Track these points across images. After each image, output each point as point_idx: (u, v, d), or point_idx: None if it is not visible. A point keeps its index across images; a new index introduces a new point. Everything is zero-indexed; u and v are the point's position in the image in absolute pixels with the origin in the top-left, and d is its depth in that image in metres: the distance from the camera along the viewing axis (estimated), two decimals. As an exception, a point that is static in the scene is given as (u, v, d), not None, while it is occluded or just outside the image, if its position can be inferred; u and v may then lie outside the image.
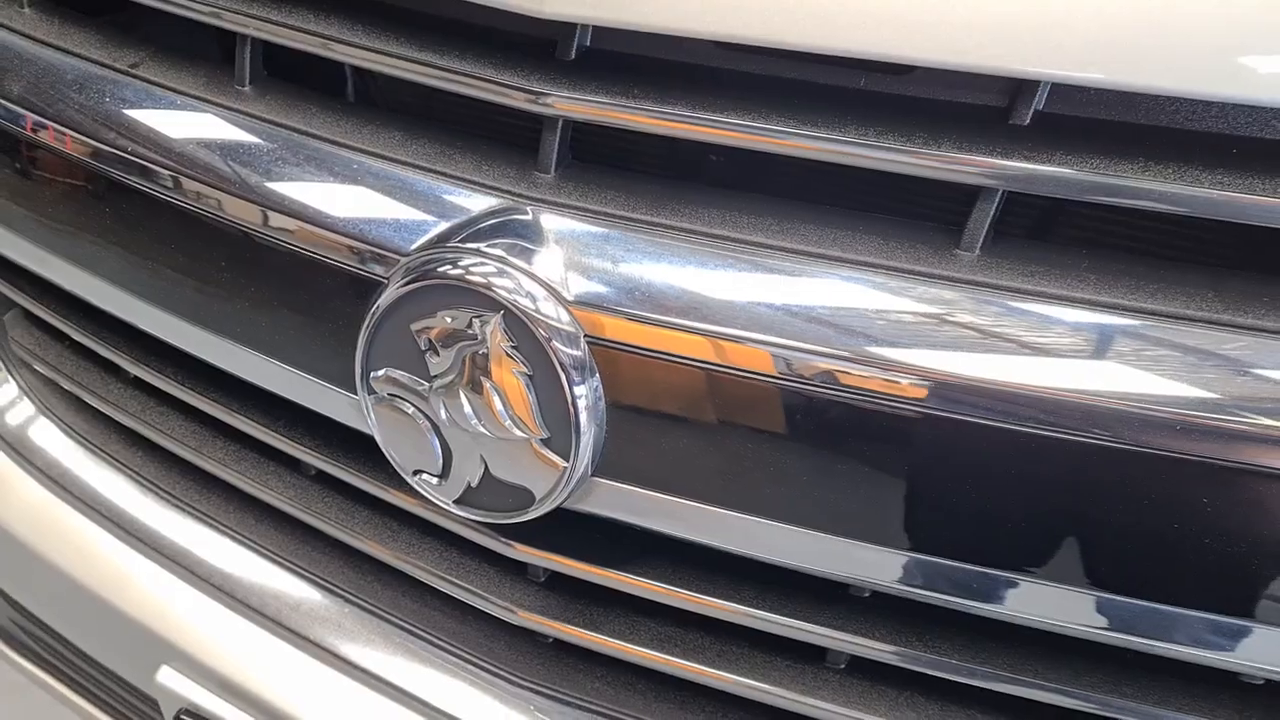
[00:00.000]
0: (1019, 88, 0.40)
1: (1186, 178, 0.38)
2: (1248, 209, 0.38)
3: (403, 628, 0.62)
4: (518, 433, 0.46)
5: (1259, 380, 0.38)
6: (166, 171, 0.54)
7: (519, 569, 0.57)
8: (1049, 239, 0.44)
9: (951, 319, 0.41)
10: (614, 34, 0.44)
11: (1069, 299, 0.40)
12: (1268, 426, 0.37)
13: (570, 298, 0.44)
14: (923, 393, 0.40)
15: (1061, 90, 0.39)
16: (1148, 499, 0.39)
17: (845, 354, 0.41)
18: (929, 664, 0.48)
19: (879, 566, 0.45)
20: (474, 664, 0.60)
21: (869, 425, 0.42)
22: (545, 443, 0.46)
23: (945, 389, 0.40)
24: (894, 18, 0.39)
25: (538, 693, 0.59)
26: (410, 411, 0.48)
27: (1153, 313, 0.39)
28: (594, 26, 0.45)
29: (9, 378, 0.75)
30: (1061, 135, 0.40)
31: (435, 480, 0.49)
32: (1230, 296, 0.40)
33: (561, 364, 0.44)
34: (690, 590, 0.51)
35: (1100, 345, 0.39)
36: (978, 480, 0.41)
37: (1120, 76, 0.37)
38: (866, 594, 0.49)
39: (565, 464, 0.46)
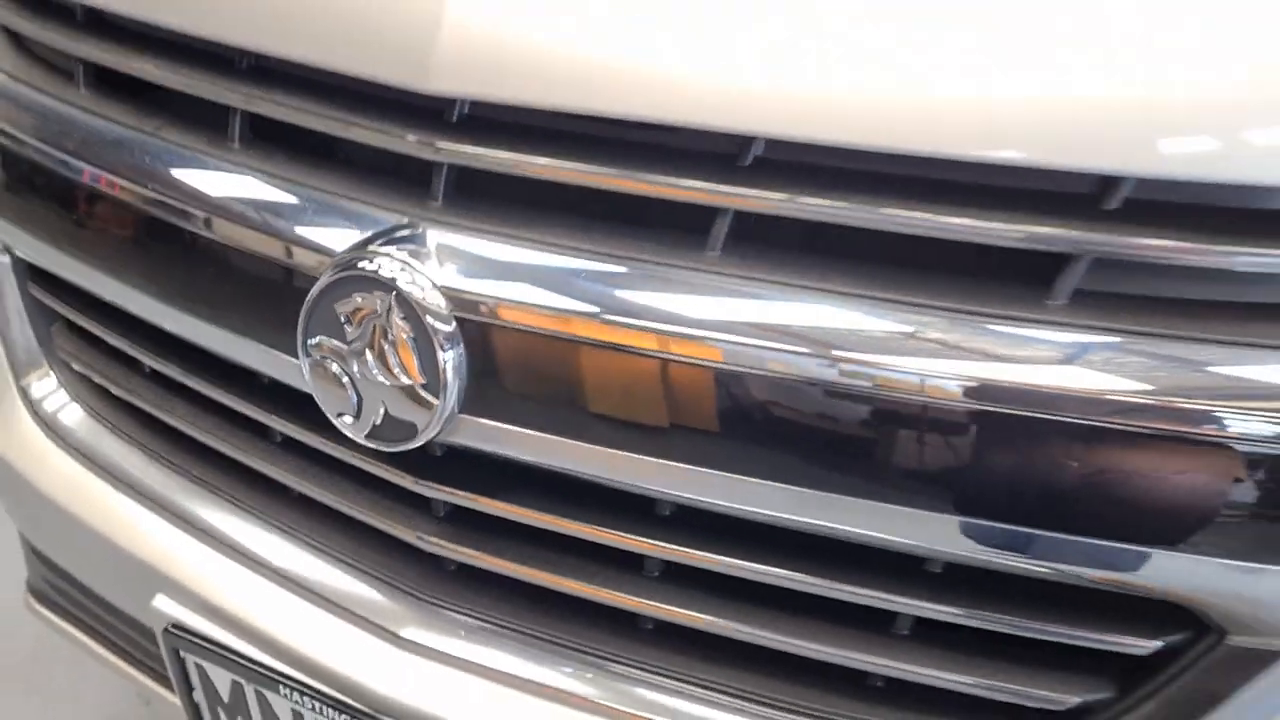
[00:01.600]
0: (743, 141, 0.59)
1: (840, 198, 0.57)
2: (882, 220, 0.56)
3: (340, 559, 0.80)
4: (405, 380, 0.65)
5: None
6: (178, 205, 0.75)
7: (426, 506, 0.75)
8: (774, 244, 0.62)
9: (690, 295, 0.60)
10: (479, 102, 0.64)
11: (782, 284, 0.59)
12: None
13: (442, 285, 0.63)
14: (650, 341, 0.59)
15: (773, 144, 0.58)
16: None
17: (593, 313, 0.60)
18: (728, 567, 0.66)
19: (676, 482, 0.63)
20: (393, 585, 0.78)
21: (627, 364, 0.61)
22: (424, 387, 0.64)
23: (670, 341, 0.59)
24: (650, 89, 0.58)
25: (442, 607, 0.77)
26: (334, 369, 0.67)
27: (854, 295, 0.58)
28: (469, 100, 0.65)
29: (50, 374, 0.95)
30: (774, 173, 0.59)
31: (351, 420, 0.68)
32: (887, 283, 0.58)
33: (435, 330, 0.63)
34: (547, 513, 0.70)
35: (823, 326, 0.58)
36: (728, 409, 0.60)
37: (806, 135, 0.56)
38: (668, 510, 0.67)
39: (438, 402, 0.64)
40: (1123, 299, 0.56)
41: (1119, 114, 0.52)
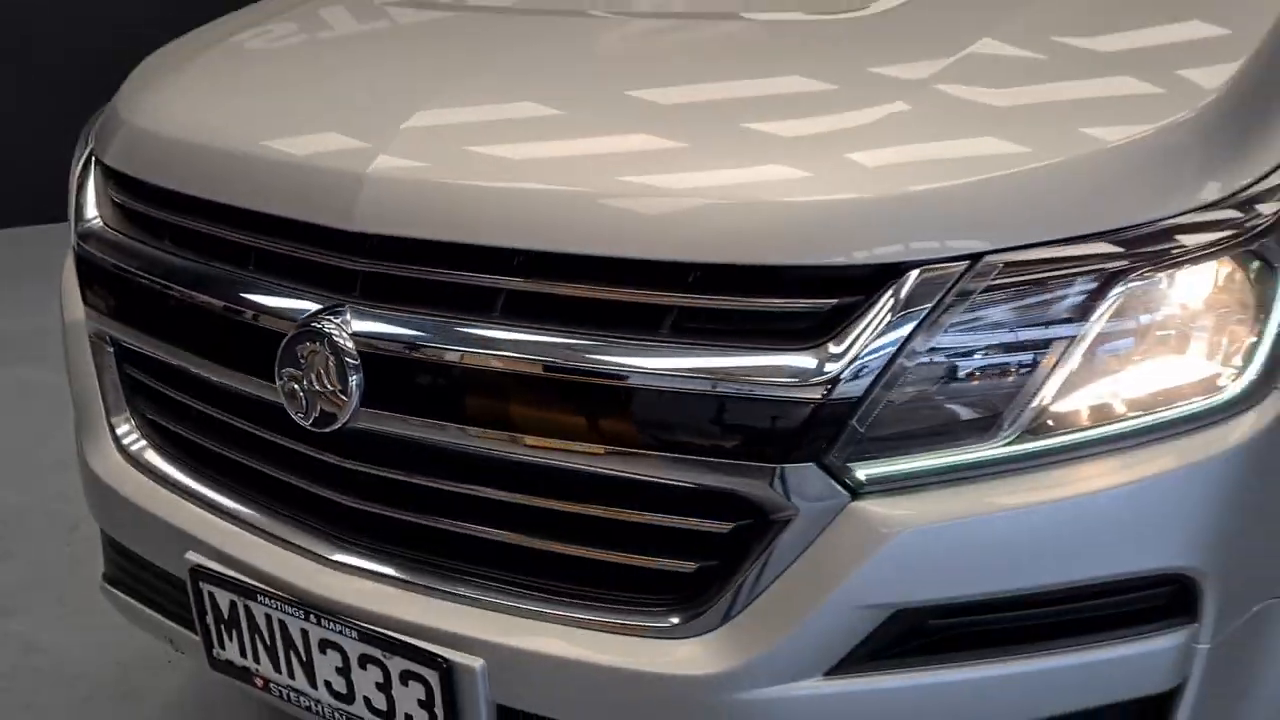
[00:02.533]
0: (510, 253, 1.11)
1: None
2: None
3: (291, 517, 1.29)
4: (330, 387, 1.16)
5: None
6: (212, 306, 1.28)
7: (342, 480, 1.24)
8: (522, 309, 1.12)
9: (483, 333, 1.11)
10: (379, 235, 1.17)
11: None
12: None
13: (353, 335, 1.15)
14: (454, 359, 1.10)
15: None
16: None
17: (431, 348, 1.11)
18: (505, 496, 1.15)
19: (476, 441, 1.12)
20: (321, 529, 1.27)
21: (446, 375, 1.11)
22: (342, 393, 1.15)
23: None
24: (460, 229, 1.11)
25: (349, 542, 1.24)
26: (294, 387, 1.18)
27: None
28: (379, 235, 1.18)
29: (129, 419, 1.47)
30: (530, 267, 1.10)
31: (302, 416, 1.18)
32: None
33: (348, 363, 1.14)
34: (415, 473, 1.18)
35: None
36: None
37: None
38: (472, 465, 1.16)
39: (346, 400, 1.15)
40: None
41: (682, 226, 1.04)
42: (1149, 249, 1.02)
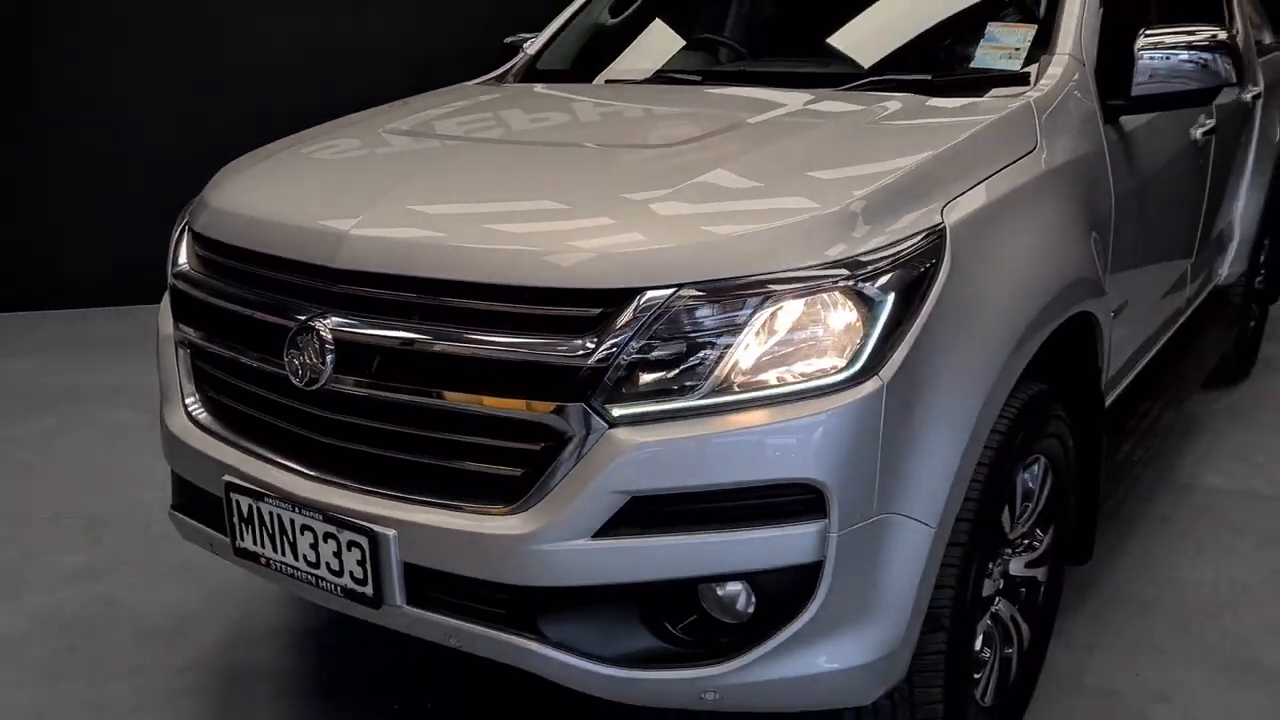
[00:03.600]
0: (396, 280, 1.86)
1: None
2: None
3: (285, 448, 2.01)
4: (315, 361, 1.90)
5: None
6: (249, 317, 2.04)
7: (320, 423, 1.97)
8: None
9: (398, 333, 1.85)
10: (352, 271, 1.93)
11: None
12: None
13: (331, 328, 1.89)
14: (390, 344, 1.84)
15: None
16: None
17: (370, 337, 1.86)
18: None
19: (389, 394, 1.85)
20: (306, 458, 1.99)
21: (380, 352, 1.85)
22: (323, 363, 1.89)
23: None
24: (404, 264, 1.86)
25: (323, 464, 1.97)
26: (294, 362, 1.92)
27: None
28: (365, 271, 1.93)
29: (195, 394, 2.22)
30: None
31: (298, 380, 1.92)
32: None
33: (328, 345, 1.88)
34: (367, 419, 1.91)
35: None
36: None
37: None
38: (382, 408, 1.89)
39: (324, 369, 1.89)
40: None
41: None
42: (792, 285, 1.72)
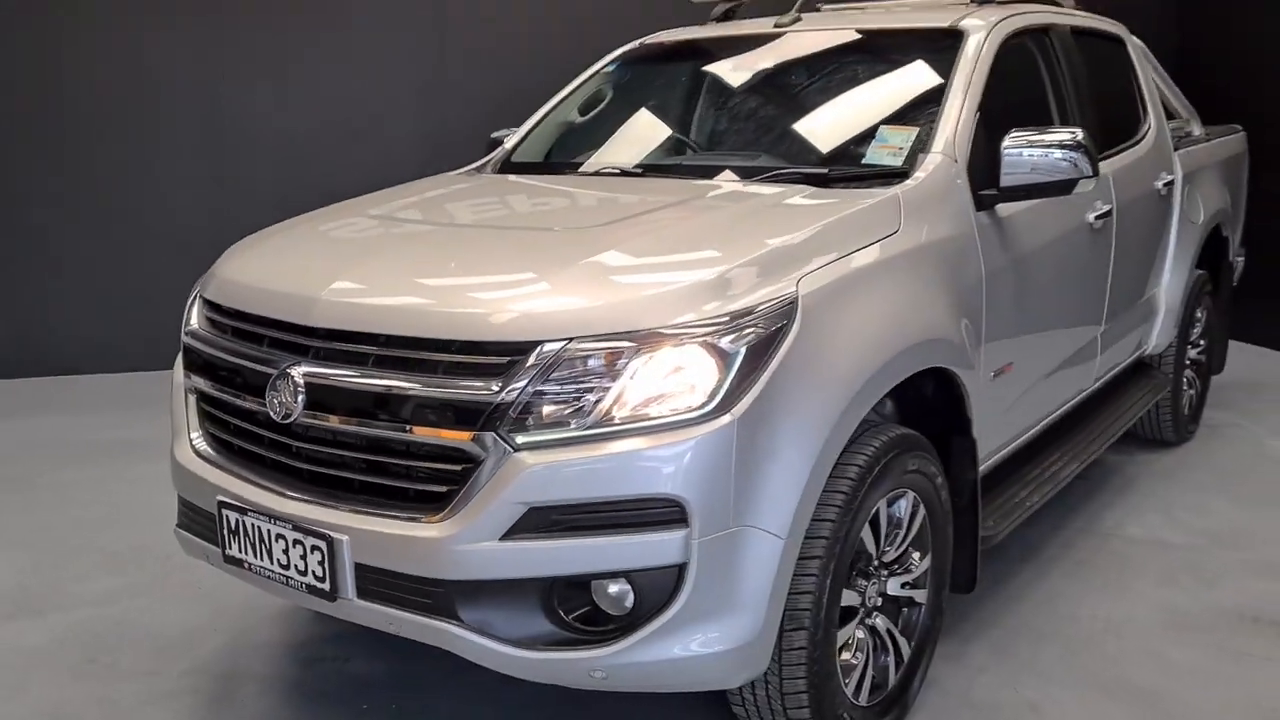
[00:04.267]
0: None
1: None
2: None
3: (265, 472, 2.47)
4: (291, 400, 2.36)
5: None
6: (242, 367, 2.52)
7: (292, 450, 2.43)
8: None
9: (353, 379, 2.31)
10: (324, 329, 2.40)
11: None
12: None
13: (304, 374, 2.36)
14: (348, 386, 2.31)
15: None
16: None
17: (331, 381, 2.32)
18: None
19: (345, 429, 2.31)
20: (281, 477, 2.45)
21: (338, 395, 2.32)
22: (295, 402, 2.35)
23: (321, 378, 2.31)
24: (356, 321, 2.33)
25: (294, 484, 2.42)
26: (274, 400, 2.39)
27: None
28: (330, 328, 2.40)
29: (199, 429, 2.70)
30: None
31: (277, 415, 2.38)
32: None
33: (299, 388, 2.35)
34: (329, 447, 2.37)
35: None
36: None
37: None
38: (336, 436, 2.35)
39: (296, 405, 2.35)
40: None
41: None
42: (661, 339, 2.17)
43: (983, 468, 3.26)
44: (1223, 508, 4.31)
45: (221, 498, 2.51)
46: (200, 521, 2.66)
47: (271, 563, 2.42)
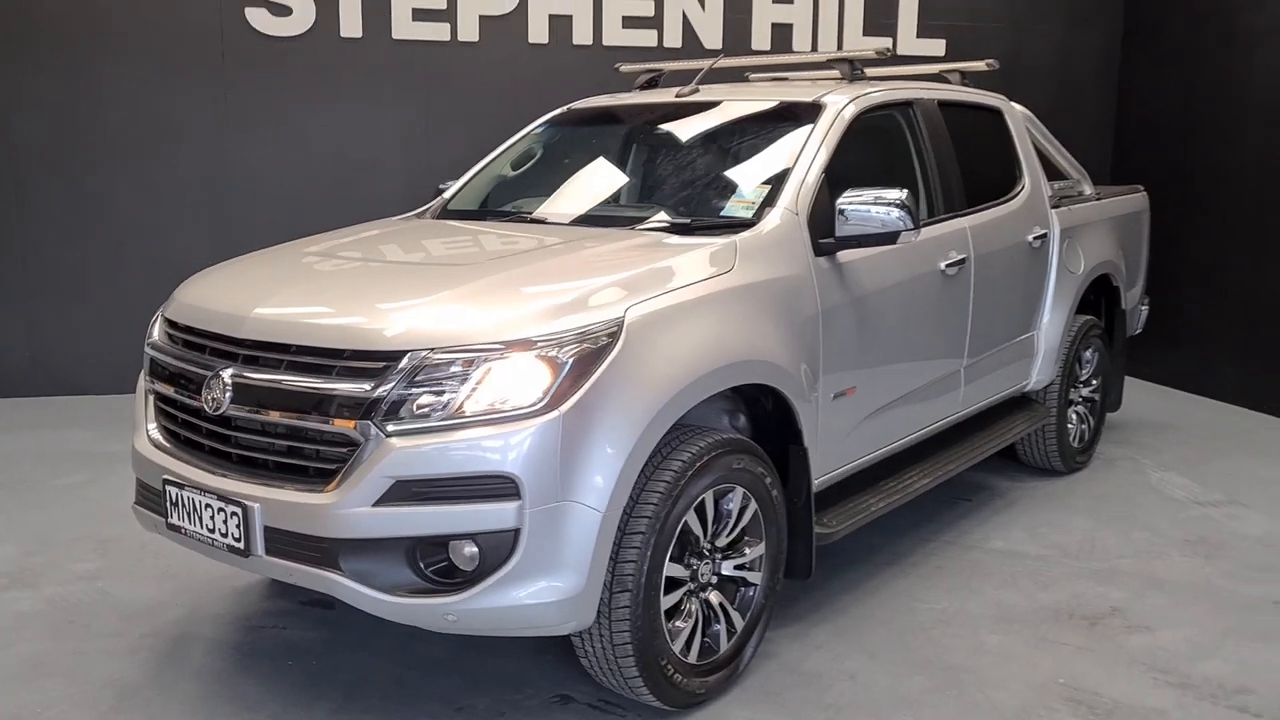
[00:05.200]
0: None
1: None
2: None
3: (200, 453, 3.07)
4: (221, 396, 2.96)
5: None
6: (185, 371, 3.13)
7: (220, 435, 3.03)
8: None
9: (271, 376, 2.92)
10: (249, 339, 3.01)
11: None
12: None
13: (230, 376, 2.97)
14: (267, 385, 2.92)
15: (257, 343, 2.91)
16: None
17: (256, 383, 2.93)
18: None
19: (268, 418, 2.91)
20: (212, 457, 3.04)
21: (260, 392, 2.92)
22: (224, 397, 2.96)
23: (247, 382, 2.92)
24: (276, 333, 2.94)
25: (222, 462, 3.02)
26: (208, 396, 2.99)
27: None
28: (253, 339, 3.01)
29: (154, 421, 3.30)
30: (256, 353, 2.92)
31: (209, 408, 2.99)
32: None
33: (226, 386, 2.95)
34: (251, 434, 2.97)
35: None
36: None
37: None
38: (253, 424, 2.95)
39: (224, 400, 2.95)
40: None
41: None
42: (503, 350, 2.76)
43: (836, 475, 3.83)
44: (1083, 526, 4.82)
45: (166, 476, 3.11)
46: (151, 498, 3.25)
47: (201, 528, 3.01)
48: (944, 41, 7.83)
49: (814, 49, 7.70)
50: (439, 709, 3.24)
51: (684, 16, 7.50)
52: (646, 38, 7.48)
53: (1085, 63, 8.21)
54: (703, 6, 7.52)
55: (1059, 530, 4.77)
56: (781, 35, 7.68)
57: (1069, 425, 5.50)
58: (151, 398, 3.36)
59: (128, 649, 3.61)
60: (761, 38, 7.65)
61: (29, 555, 4.42)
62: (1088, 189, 5.74)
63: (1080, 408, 5.62)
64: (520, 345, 2.78)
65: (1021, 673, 3.47)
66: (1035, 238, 4.96)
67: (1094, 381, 5.69)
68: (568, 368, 2.78)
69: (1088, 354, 5.58)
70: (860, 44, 7.76)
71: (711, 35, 7.55)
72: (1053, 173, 5.58)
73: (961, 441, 4.66)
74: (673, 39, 7.50)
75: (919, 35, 7.88)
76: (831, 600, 3.99)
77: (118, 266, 7.07)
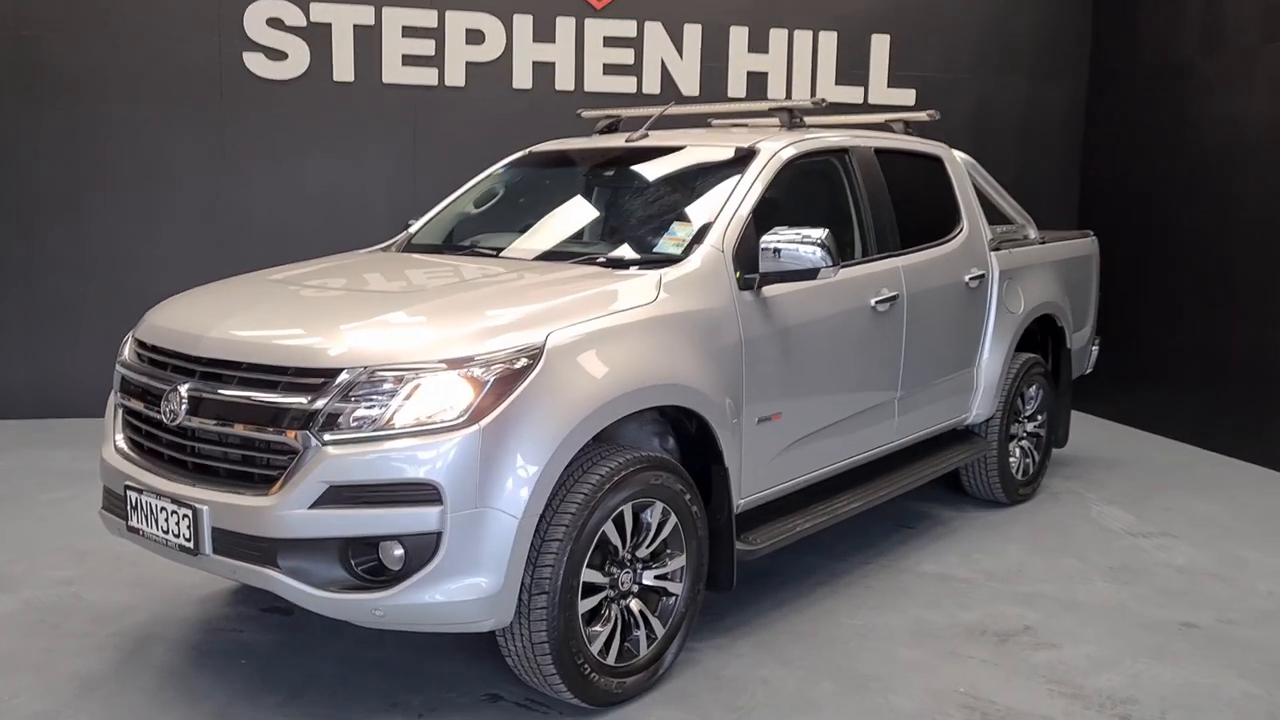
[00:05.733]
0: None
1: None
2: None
3: (158, 461, 3.36)
4: (179, 409, 3.25)
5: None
6: (149, 387, 3.42)
7: (176, 445, 3.31)
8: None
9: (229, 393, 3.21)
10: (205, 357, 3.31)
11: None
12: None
13: (187, 391, 3.26)
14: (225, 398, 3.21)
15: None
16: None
17: (214, 397, 3.23)
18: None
19: (225, 429, 3.20)
20: (170, 464, 3.33)
21: (217, 405, 3.22)
22: (181, 410, 3.24)
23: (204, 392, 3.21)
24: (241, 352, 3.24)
25: (179, 468, 3.30)
26: (167, 409, 3.28)
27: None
28: (209, 357, 3.31)
29: (121, 431, 3.59)
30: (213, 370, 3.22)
31: (169, 419, 3.27)
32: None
33: (183, 399, 3.24)
34: (210, 444, 3.26)
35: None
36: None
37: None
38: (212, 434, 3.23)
39: (180, 412, 3.24)
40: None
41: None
42: (429, 369, 3.04)
43: (765, 496, 4.09)
44: (1015, 553, 5.05)
45: (128, 482, 3.39)
46: (115, 503, 3.53)
47: (156, 529, 3.29)
48: (914, 91, 8.15)
49: (788, 96, 8.03)
50: (377, 704, 3.49)
51: (662, 64, 7.85)
52: (626, 84, 7.82)
53: (1052, 115, 8.52)
54: (680, 55, 7.87)
55: (991, 556, 5.00)
56: (757, 83, 8.01)
57: (1012, 459, 5.73)
58: (120, 411, 3.64)
59: (94, 647, 3.87)
60: (737, 85, 7.99)
61: (10, 562, 4.70)
62: (1032, 233, 6.02)
63: (1025, 442, 5.86)
64: (446, 365, 3.06)
65: (925, 681, 3.70)
66: (973, 278, 5.22)
67: (1039, 417, 5.93)
68: (489, 386, 3.06)
69: (1031, 390, 5.83)
70: (834, 93, 8.09)
71: (689, 83, 7.88)
72: (998, 218, 5.86)
73: (898, 469, 4.91)
74: (651, 85, 7.84)
75: (890, 85, 8.21)
76: (760, 616, 4.22)
77: (116, 296, 7.39)
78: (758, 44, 7.98)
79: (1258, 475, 6.57)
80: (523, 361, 3.13)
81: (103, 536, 4.95)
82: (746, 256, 3.91)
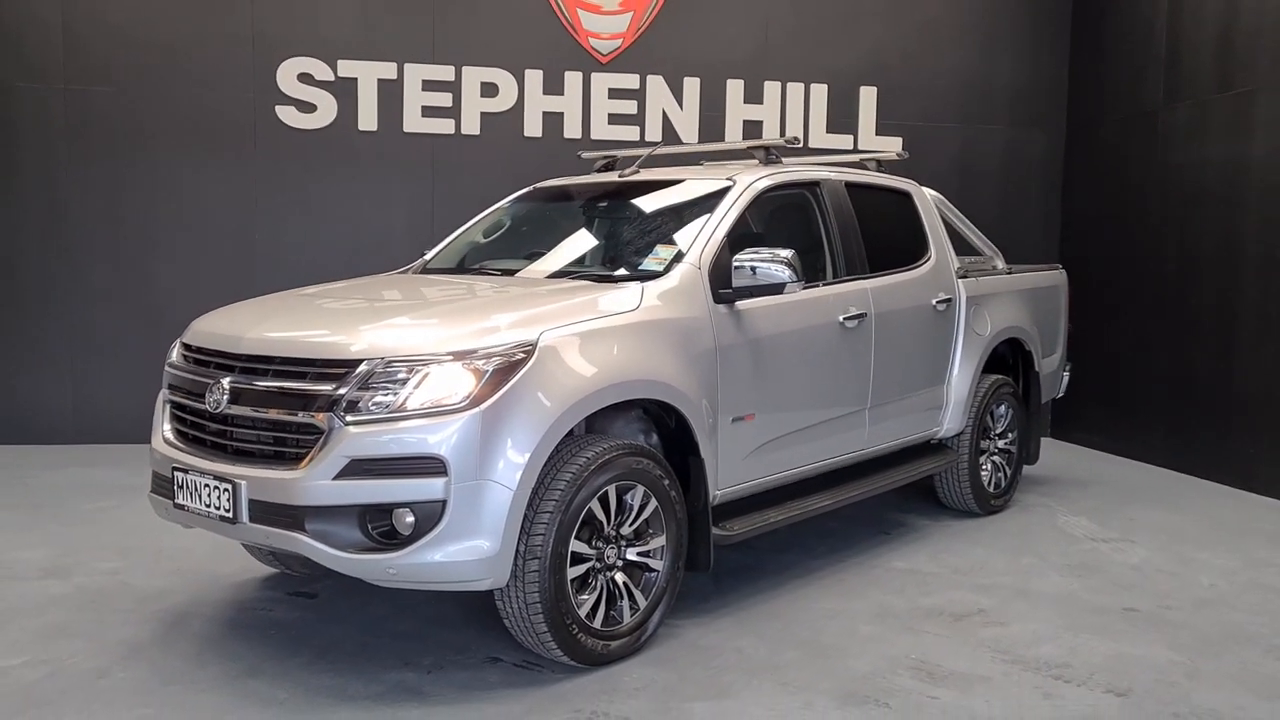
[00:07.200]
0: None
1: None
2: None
3: (202, 445, 3.85)
4: (221, 399, 3.76)
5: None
6: (199, 381, 3.94)
7: (219, 431, 3.82)
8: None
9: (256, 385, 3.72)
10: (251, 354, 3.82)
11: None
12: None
13: (229, 385, 3.77)
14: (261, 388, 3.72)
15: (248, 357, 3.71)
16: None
17: (250, 390, 3.74)
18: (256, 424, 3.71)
19: (259, 415, 3.70)
20: (214, 449, 3.82)
21: (253, 393, 3.73)
22: (224, 399, 3.75)
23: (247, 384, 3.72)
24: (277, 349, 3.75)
25: (221, 452, 3.80)
26: (211, 399, 3.79)
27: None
28: (247, 354, 3.82)
29: (169, 423, 4.10)
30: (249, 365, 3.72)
31: (213, 408, 3.78)
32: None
33: (225, 390, 3.75)
34: (242, 429, 3.76)
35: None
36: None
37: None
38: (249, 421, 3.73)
39: (224, 401, 3.75)
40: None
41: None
42: (436, 361, 3.53)
43: (741, 490, 4.54)
44: (980, 554, 5.46)
45: (175, 465, 3.89)
46: (163, 485, 4.02)
47: (200, 504, 3.78)
48: (900, 139, 8.68)
49: (781, 144, 8.57)
50: (392, 663, 3.94)
51: (664, 114, 8.42)
52: (630, 132, 8.39)
53: (1032, 160, 9.04)
54: (681, 105, 8.44)
55: (957, 555, 5.41)
56: (753, 131, 8.56)
57: (984, 471, 6.16)
58: (167, 406, 4.15)
59: (139, 620, 4.35)
60: (734, 133, 8.54)
61: (61, 557, 5.20)
62: (999, 264, 6.50)
63: (996, 457, 6.29)
64: (452, 357, 3.56)
65: (880, 650, 4.13)
66: (940, 301, 5.70)
67: (1010, 435, 6.36)
68: (488, 376, 3.55)
69: (1000, 409, 6.27)
70: (825, 140, 8.64)
71: (689, 130, 8.45)
72: (968, 250, 6.35)
73: (872, 475, 5.35)
74: (653, 133, 8.41)
75: (878, 133, 8.76)
76: (739, 600, 4.66)
77: (155, 330, 7.94)
78: (753, 95, 8.55)
79: (1224, 493, 6.95)
80: (518, 355, 3.62)
81: (145, 535, 5.47)
82: (721, 274, 4.40)
